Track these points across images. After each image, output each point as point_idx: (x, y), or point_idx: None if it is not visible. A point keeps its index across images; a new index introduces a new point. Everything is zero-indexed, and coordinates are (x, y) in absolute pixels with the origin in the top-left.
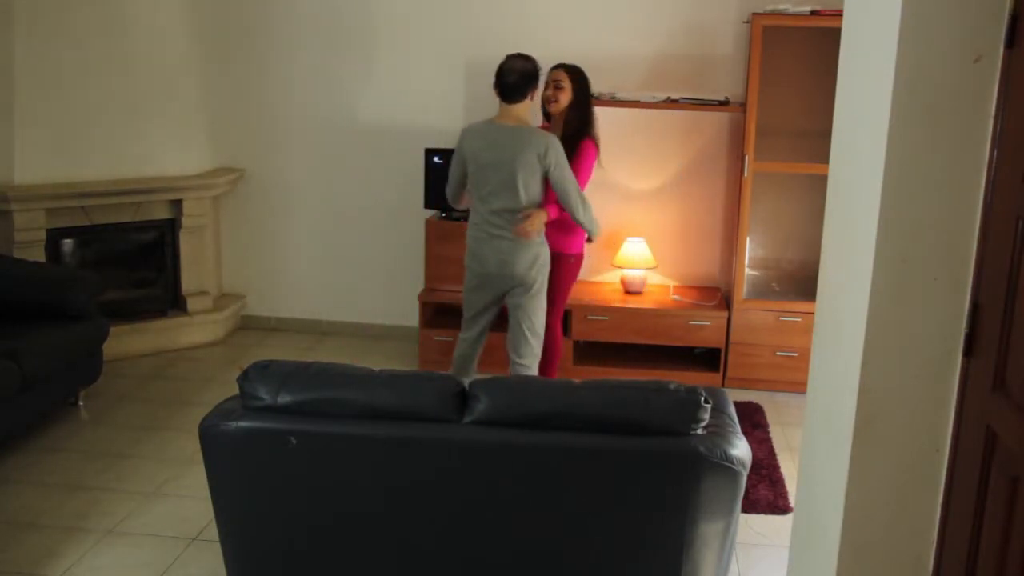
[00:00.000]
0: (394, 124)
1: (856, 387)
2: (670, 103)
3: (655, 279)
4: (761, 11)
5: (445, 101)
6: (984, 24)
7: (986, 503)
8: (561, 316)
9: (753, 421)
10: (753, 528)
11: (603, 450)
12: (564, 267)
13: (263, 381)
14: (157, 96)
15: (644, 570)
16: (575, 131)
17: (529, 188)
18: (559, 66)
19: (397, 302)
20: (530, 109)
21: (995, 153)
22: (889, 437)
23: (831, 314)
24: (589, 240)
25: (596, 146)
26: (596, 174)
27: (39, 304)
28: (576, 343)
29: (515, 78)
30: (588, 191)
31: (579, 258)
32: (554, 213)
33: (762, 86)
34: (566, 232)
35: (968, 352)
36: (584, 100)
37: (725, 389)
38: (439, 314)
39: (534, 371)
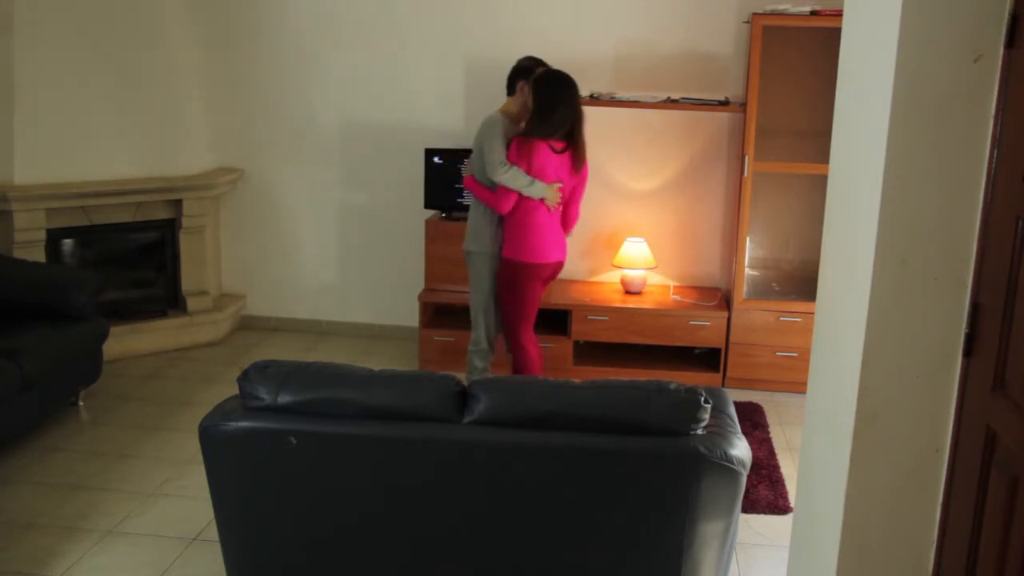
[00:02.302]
0: (394, 124)
1: (856, 387)
2: (670, 103)
3: (655, 279)
4: (761, 11)
5: (445, 101)
6: (984, 24)
7: (986, 503)
8: (521, 326)
9: (753, 421)
10: (753, 528)
11: (603, 450)
12: (502, 270)
13: (263, 381)
14: (157, 96)
15: (644, 570)
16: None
17: (478, 166)
18: None
19: (397, 302)
20: (520, 102)
21: (995, 153)
22: (889, 437)
23: (831, 314)
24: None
25: (515, 147)
26: (597, 173)
27: (39, 304)
28: (576, 343)
29: (510, 74)
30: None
31: (517, 266)
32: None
33: (762, 86)
34: (508, 236)
35: (968, 352)
36: (534, 105)
37: (725, 389)
38: (439, 314)
39: (478, 341)
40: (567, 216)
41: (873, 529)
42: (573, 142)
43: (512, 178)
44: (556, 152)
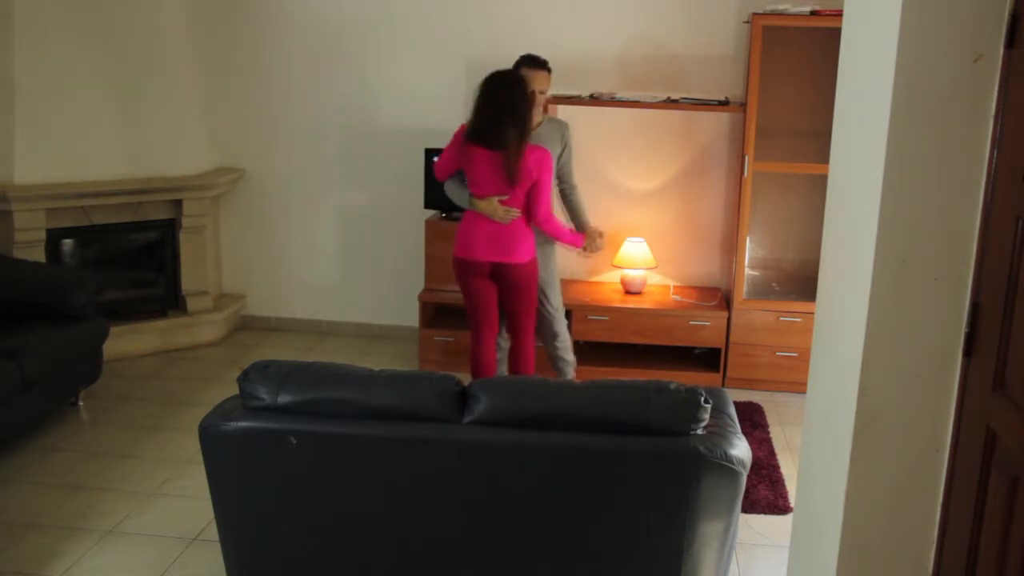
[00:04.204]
0: (394, 124)
1: (856, 387)
2: (670, 103)
3: (655, 279)
4: (761, 11)
5: (445, 101)
6: (984, 24)
7: (986, 503)
8: (469, 323)
9: (753, 421)
10: (753, 528)
11: (603, 450)
12: None
13: (263, 381)
14: (157, 96)
15: (644, 570)
16: None
17: None
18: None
19: (397, 302)
20: None
21: (995, 153)
22: (889, 437)
23: (831, 314)
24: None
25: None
26: (597, 173)
27: (39, 304)
28: (576, 343)
29: None
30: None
31: (454, 262)
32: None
33: (762, 86)
34: None
35: (968, 352)
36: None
37: (725, 389)
38: (439, 314)
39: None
40: (531, 213)
41: (873, 529)
42: (502, 150)
43: (448, 190)
44: (490, 160)
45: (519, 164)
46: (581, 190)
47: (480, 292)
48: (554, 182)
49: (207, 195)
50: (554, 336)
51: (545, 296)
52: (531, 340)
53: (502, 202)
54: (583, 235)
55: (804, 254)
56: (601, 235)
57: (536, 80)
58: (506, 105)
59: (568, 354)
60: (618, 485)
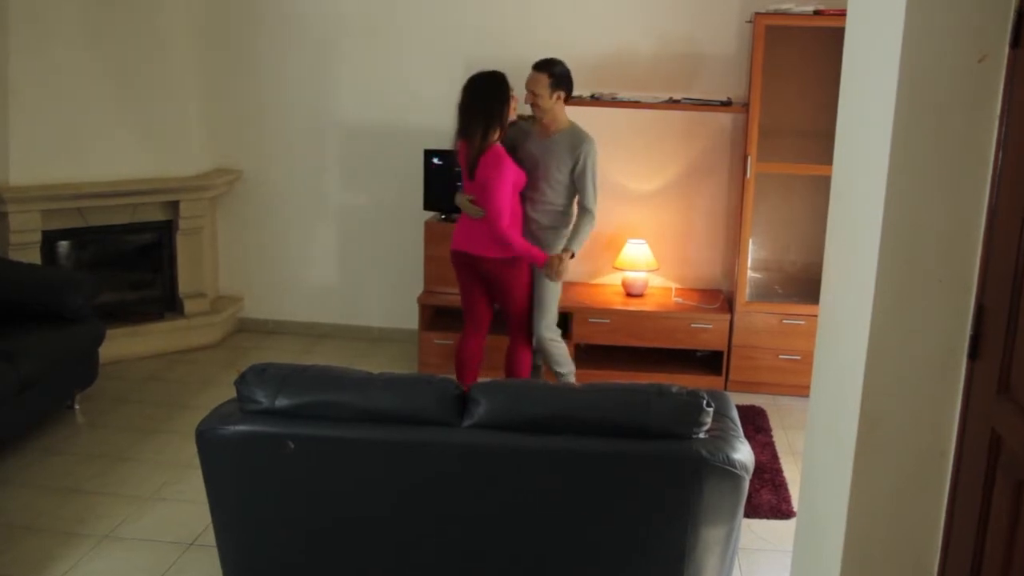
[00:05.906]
0: (394, 124)
1: (860, 390)
2: (672, 104)
3: (657, 281)
4: (764, 11)
5: (445, 101)
6: (989, 24)
7: (991, 507)
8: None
9: (756, 425)
10: (756, 532)
11: (604, 454)
12: None
13: (261, 384)
14: (154, 97)
15: (645, 575)
16: None
17: None
18: None
19: (396, 304)
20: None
21: (1000, 154)
22: (893, 441)
23: (834, 317)
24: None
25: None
26: (600, 174)
27: (35, 306)
28: (577, 346)
29: None
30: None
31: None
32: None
33: (765, 86)
34: None
35: (973, 355)
36: None
37: (727, 392)
38: (438, 316)
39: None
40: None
41: (877, 534)
42: (470, 141)
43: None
44: (464, 152)
45: (478, 158)
46: (594, 220)
47: (464, 285)
48: (564, 196)
49: (204, 196)
50: (539, 350)
51: (535, 308)
52: (521, 342)
53: (472, 202)
54: (545, 256)
55: (807, 256)
56: (562, 261)
57: (528, 81)
58: (479, 101)
59: (561, 367)
60: (619, 489)
